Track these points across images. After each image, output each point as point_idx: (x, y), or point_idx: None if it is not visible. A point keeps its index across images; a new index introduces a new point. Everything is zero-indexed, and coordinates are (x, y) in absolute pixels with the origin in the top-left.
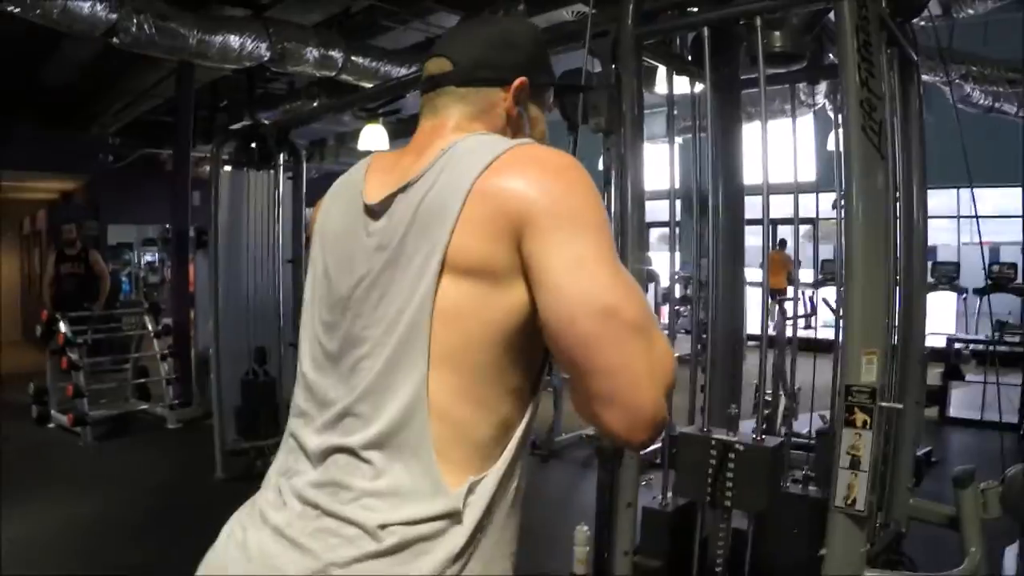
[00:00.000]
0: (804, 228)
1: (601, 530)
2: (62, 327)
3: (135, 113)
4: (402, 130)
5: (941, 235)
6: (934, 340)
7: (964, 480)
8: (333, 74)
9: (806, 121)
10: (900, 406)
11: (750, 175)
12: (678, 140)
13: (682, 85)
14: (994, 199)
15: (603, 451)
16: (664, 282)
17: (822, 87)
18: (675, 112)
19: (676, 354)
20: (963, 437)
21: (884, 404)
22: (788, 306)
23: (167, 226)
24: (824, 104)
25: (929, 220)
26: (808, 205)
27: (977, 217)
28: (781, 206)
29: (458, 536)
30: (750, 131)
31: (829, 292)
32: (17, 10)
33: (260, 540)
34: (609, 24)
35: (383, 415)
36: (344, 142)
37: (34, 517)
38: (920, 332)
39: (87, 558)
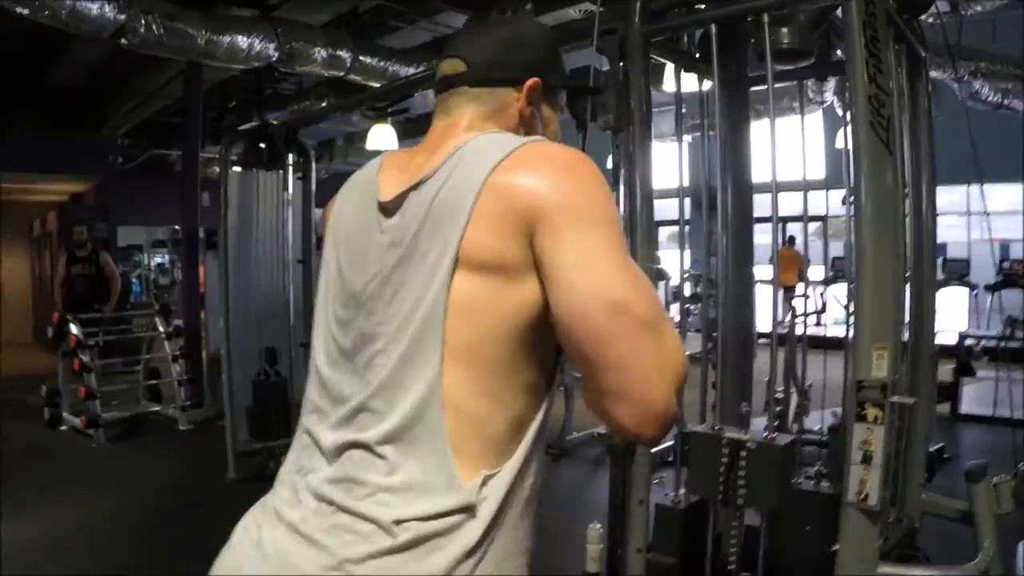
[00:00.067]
0: (814, 226)
1: (614, 528)
2: (73, 329)
3: (144, 114)
4: (411, 130)
5: (952, 232)
6: (945, 337)
7: (977, 475)
8: (341, 74)
9: (815, 118)
10: (911, 401)
11: (759, 173)
12: (686, 138)
13: (690, 83)
14: (1005, 196)
15: (615, 449)
16: (674, 280)
17: (831, 84)
18: (683, 110)
19: (687, 352)
20: (975, 433)
21: (895, 399)
22: (798, 303)
23: (177, 227)
24: (833, 101)
25: (939, 217)
26: (818, 203)
27: (987, 214)
28: (790, 203)
29: (473, 531)
30: (758, 128)
31: (839, 289)
32: (26, 11)
33: (275, 537)
34: (617, 22)
35: (397, 410)
36: (353, 142)
37: (48, 519)
38: (931, 328)
39: (101, 559)
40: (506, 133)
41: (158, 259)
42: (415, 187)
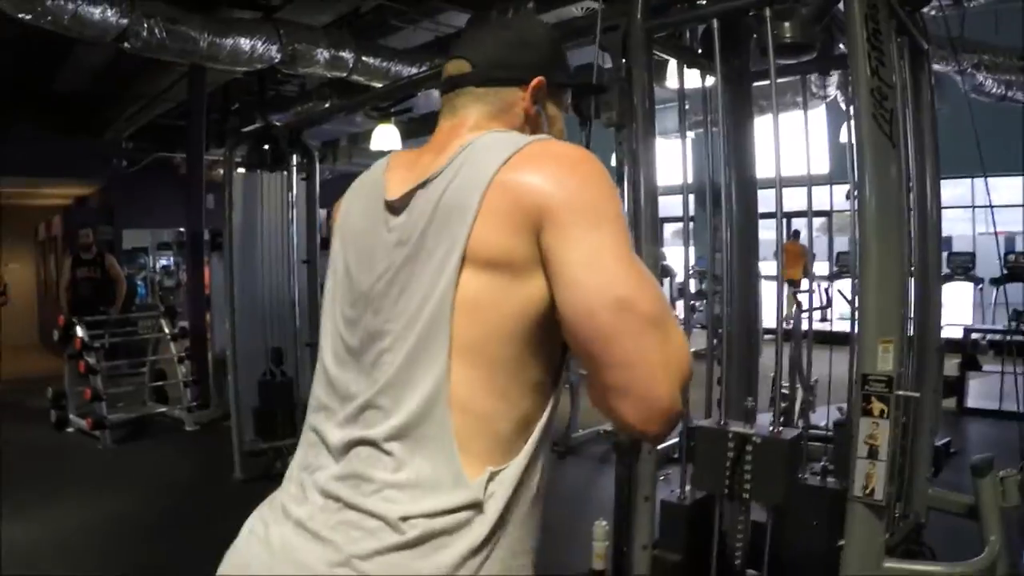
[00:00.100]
0: (819, 221)
1: (620, 525)
2: (79, 331)
3: (148, 117)
4: (414, 129)
5: (957, 225)
6: (951, 331)
7: (983, 469)
8: (344, 75)
9: (818, 113)
10: (917, 394)
11: (763, 168)
12: (690, 134)
13: (693, 78)
14: (1010, 188)
15: (620, 446)
16: (679, 277)
17: (834, 79)
18: (686, 106)
19: (692, 349)
20: (981, 427)
21: (901, 392)
22: (804, 298)
23: (181, 230)
24: (836, 95)
25: (944, 210)
26: (822, 198)
27: (992, 207)
28: (794, 199)
29: (480, 527)
30: (762, 124)
31: (845, 284)
32: (28, 17)
33: (282, 534)
34: (619, 18)
35: (404, 407)
36: (356, 142)
37: (55, 520)
38: (936, 322)
39: (107, 559)
40: (512, 132)
41: (163, 261)
42: (422, 186)
